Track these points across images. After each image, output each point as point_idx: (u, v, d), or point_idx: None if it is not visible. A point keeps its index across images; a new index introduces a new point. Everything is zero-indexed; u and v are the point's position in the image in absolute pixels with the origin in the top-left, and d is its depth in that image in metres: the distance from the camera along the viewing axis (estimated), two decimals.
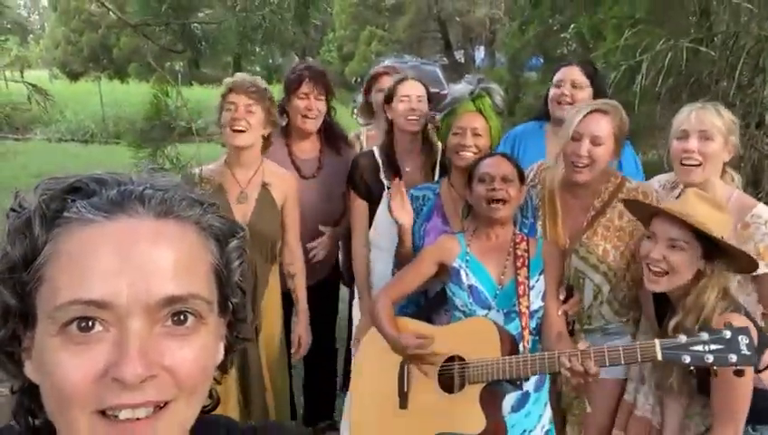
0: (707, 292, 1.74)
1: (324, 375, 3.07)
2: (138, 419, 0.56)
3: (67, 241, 0.57)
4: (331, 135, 2.74)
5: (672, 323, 1.79)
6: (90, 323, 0.55)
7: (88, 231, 0.57)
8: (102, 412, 0.56)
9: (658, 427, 1.97)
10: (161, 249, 0.58)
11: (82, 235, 0.57)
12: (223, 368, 0.70)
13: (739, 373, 1.56)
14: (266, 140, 2.39)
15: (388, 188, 2.43)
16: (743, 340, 1.53)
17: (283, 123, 2.66)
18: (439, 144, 2.47)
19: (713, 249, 1.74)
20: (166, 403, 0.57)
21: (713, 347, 1.54)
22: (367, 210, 2.50)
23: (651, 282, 1.81)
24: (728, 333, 1.54)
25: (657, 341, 1.62)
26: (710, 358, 1.54)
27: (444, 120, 2.22)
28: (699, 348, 1.55)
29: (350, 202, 2.57)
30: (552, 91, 2.66)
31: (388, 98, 2.48)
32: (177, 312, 0.58)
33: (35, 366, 0.59)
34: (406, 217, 2.16)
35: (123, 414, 0.56)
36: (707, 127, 2.00)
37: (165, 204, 0.60)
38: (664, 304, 1.88)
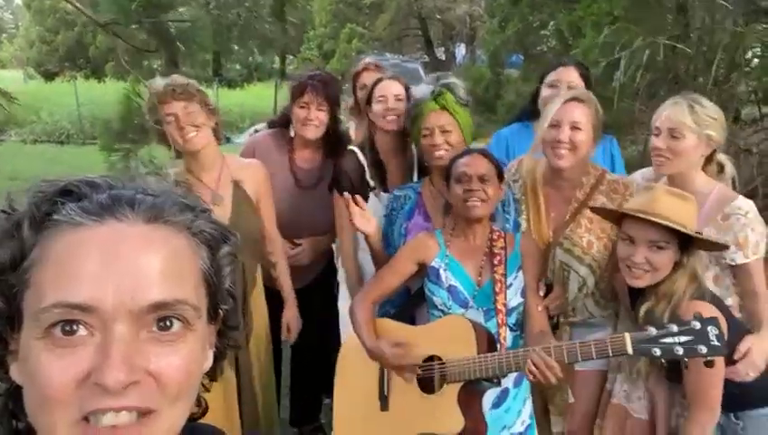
0: (679, 279, 1.76)
1: (311, 376, 3.00)
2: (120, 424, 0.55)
3: (55, 244, 0.56)
4: (334, 146, 2.69)
5: (643, 309, 1.80)
6: (74, 327, 0.54)
7: (76, 234, 0.56)
8: (84, 419, 0.54)
9: (633, 414, 1.99)
10: (149, 254, 0.57)
11: (70, 238, 0.56)
12: (212, 375, 0.69)
13: (709, 364, 1.56)
14: (216, 131, 2.28)
15: (373, 189, 2.42)
16: (712, 330, 1.53)
17: (291, 134, 2.64)
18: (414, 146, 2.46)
19: (688, 239, 1.76)
20: (150, 411, 0.56)
21: (682, 339, 1.54)
22: None
23: (634, 278, 1.81)
24: (697, 325, 1.54)
25: (626, 335, 1.61)
26: (680, 350, 1.54)
27: (413, 125, 2.22)
28: (669, 340, 1.55)
29: (335, 205, 2.53)
30: (547, 92, 2.59)
31: (369, 100, 2.47)
32: (163, 317, 0.57)
33: (20, 368, 0.58)
34: (369, 226, 2.13)
35: (106, 419, 0.54)
36: (676, 125, 2.02)
37: (155, 209, 0.59)
38: (638, 291, 1.88)
